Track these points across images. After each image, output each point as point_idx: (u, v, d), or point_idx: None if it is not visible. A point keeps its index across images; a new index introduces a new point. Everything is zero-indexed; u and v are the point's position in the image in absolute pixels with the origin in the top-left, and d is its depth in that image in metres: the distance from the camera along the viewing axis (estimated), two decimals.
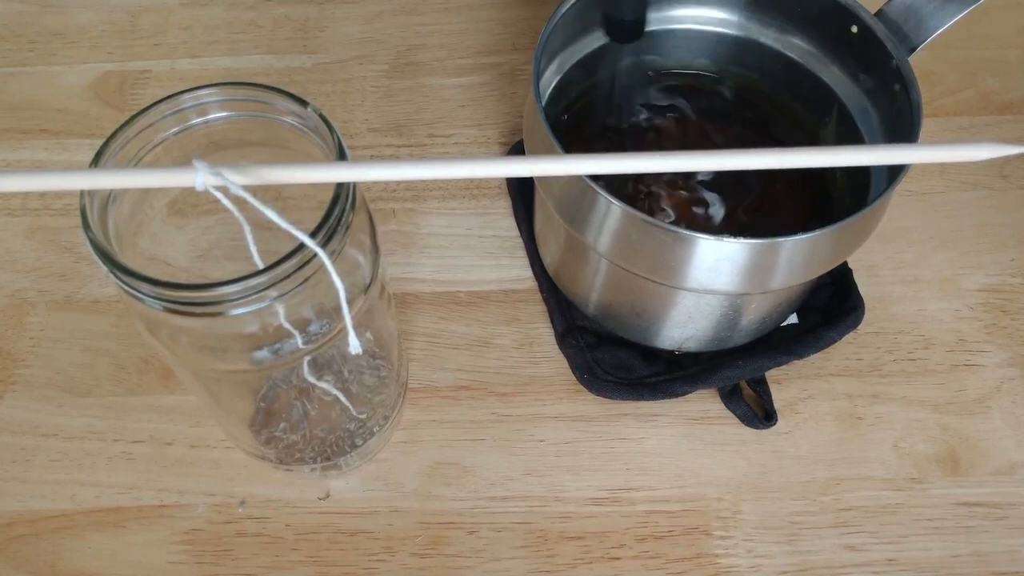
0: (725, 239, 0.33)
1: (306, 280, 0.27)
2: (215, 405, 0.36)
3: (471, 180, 0.50)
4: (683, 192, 0.43)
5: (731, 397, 0.41)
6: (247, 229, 0.25)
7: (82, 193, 0.26)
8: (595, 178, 0.34)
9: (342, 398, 0.36)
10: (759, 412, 0.41)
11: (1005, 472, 0.40)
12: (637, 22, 0.43)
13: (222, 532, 0.38)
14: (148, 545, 0.38)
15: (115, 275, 0.25)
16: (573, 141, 0.44)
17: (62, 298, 0.45)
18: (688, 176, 0.43)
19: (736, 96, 0.46)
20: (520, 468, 0.40)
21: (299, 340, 0.30)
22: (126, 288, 0.26)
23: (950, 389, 0.42)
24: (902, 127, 0.37)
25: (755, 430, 0.41)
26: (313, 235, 0.26)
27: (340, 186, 0.27)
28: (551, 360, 0.43)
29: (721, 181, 0.43)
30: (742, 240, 0.33)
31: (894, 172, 0.35)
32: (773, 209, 0.43)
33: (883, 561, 0.37)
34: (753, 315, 0.40)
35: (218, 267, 0.33)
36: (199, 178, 0.22)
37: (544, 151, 0.36)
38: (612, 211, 0.34)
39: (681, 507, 0.39)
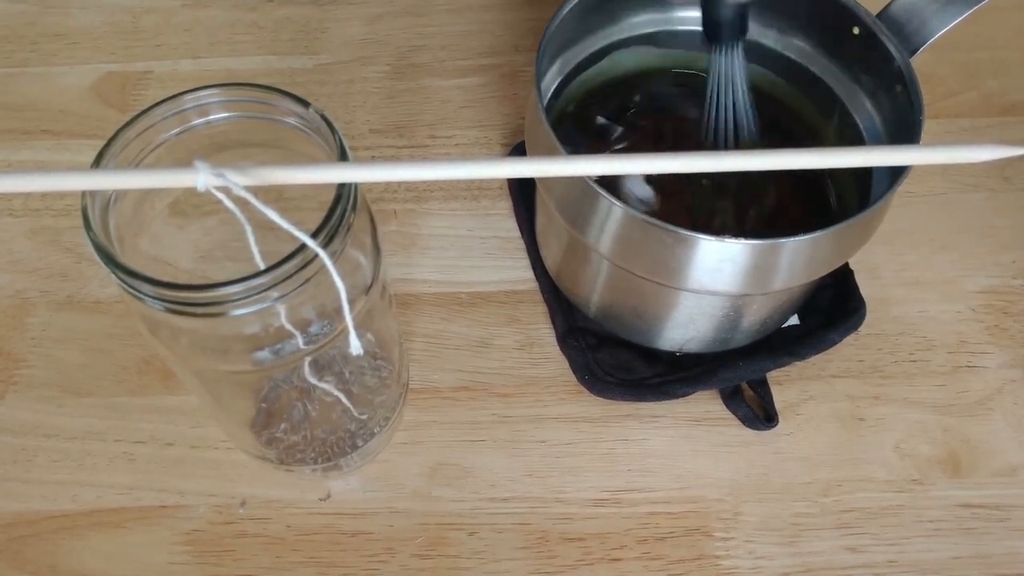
0: (726, 240, 0.33)
1: (307, 281, 0.27)
2: (216, 406, 0.36)
3: (472, 181, 0.50)
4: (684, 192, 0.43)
5: (732, 398, 0.41)
6: (249, 230, 0.25)
7: (84, 194, 0.26)
8: (597, 179, 0.34)
9: (343, 399, 0.36)
10: (760, 413, 0.41)
11: (1006, 474, 0.40)
12: (740, 18, 0.37)
13: (223, 533, 0.38)
14: (149, 546, 0.38)
15: (116, 276, 0.25)
16: (575, 142, 0.44)
17: (63, 298, 0.45)
18: (690, 177, 0.43)
19: None
20: (521, 469, 0.40)
21: (300, 341, 0.30)
22: (127, 288, 0.26)
23: (952, 391, 0.42)
24: (903, 128, 0.37)
25: (756, 431, 0.41)
26: (314, 236, 0.26)
27: (341, 187, 0.27)
28: (552, 361, 0.43)
29: (723, 182, 0.43)
30: (743, 241, 0.33)
31: (895, 173, 0.35)
32: (775, 210, 0.43)
33: (884, 563, 0.37)
34: (754, 316, 0.39)
35: (220, 268, 0.33)
36: (201, 179, 0.22)
37: (546, 152, 0.36)
38: (614, 212, 0.34)
39: (682, 508, 0.39)
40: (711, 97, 0.40)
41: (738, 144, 0.41)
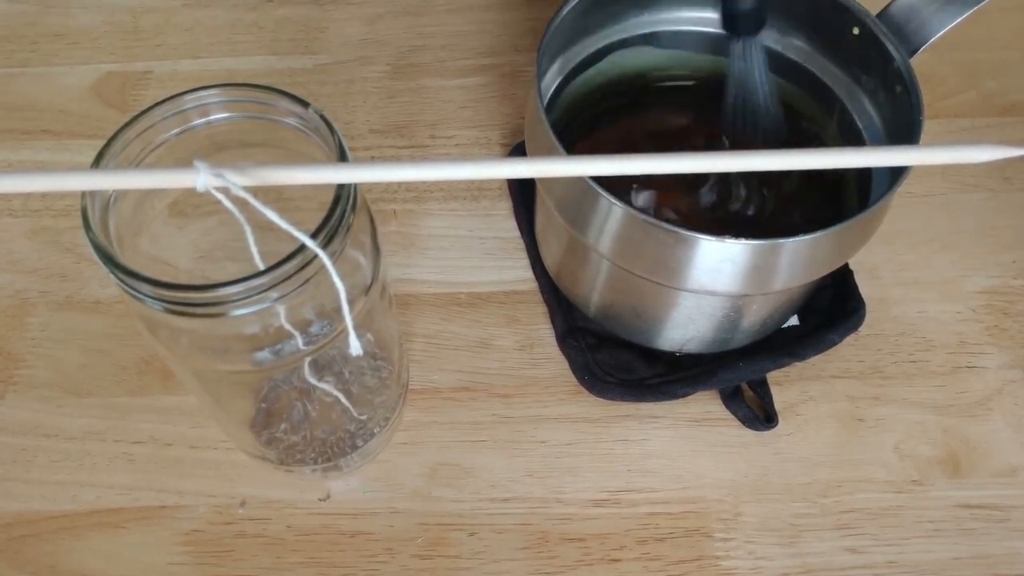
0: (727, 240, 0.33)
1: (307, 281, 0.27)
2: (216, 406, 0.36)
3: (472, 181, 0.50)
4: (683, 193, 0.43)
5: (732, 399, 0.41)
6: (248, 230, 0.25)
7: (84, 194, 0.26)
8: (597, 179, 0.34)
9: (343, 399, 0.36)
10: (760, 414, 0.41)
11: (1006, 474, 0.40)
12: (757, 11, 0.38)
13: (222, 533, 0.38)
14: (148, 546, 0.38)
15: (116, 276, 0.25)
16: (575, 142, 0.44)
17: (63, 299, 0.45)
18: (689, 178, 0.43)
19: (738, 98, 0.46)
20: (521, 469, 0.40)
21: (300, 341, 0.30)
22: (127, 289, 0.26)
23: (951, 391, 0.42)
24: (903, 129, 0.37)
25: (756, 432, 0.41)
26: (314, 236, 0.26)
27: (341, 187, 0.27)
28: (552, 361, 0.43)
29: (723, 182, 0.43)
30: (743, 241, 0.33)
31: (895, 174, 0.35)
32: (774, 210, 0.43)
33: (884, 563, 0.37)
34: (754, 317, 0.39)
35: (219, 268, 0.33)
36: (200, 179, 0.22)
37: (546, 152, 0.36)
38: (614, 212, 0.34)
39: (682, 509, 0.39)
40: (731, 95, 0.40)
41: (758, 144, 0.41)
